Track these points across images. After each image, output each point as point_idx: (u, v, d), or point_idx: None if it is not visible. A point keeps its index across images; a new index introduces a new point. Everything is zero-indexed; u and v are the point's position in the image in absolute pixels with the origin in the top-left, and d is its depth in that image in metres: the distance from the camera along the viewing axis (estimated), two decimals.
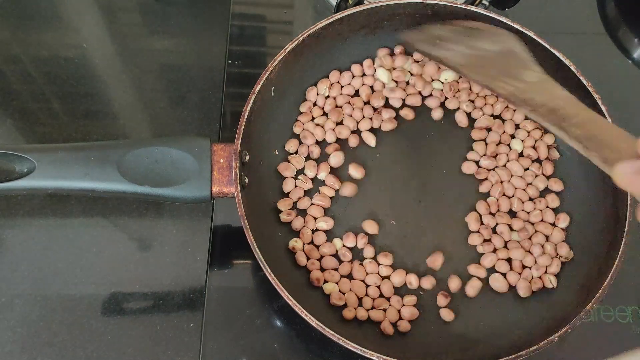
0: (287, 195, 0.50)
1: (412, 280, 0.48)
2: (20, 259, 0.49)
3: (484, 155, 0.52)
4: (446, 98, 0.54)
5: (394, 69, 0.54)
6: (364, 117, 0.53)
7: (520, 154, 0.52)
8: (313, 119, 0.53)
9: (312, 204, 0.50)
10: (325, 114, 0.53)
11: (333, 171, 0.51)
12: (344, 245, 0.49)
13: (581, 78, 0.48)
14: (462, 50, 0.45)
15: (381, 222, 0.50)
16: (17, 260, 0.49)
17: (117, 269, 0.49)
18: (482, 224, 0.50)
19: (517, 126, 0.53)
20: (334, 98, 0.53)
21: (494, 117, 0.54)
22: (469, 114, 0.54)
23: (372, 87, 0.54)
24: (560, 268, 0.48)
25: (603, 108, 0.47)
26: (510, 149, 0.53)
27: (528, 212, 0.51)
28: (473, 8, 0.51)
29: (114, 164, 0.42)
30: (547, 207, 0.51)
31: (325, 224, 0.49)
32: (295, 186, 0.50)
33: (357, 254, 0.49)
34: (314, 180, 0.51)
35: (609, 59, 0.62)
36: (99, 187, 0.42)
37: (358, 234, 0.49)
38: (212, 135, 0.52)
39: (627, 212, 0.44)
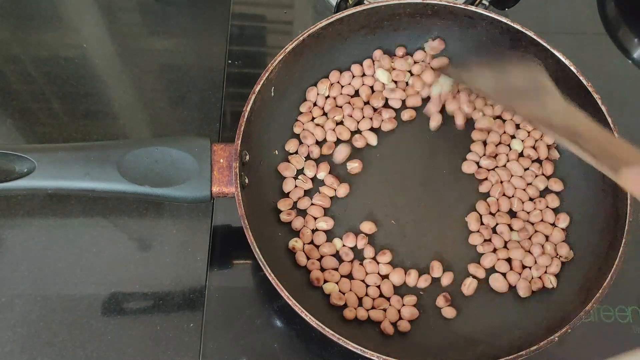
0: (287, 195, 0.50)
1: (412, 278, 0.48)
2: (20, 259, 0.49)
3: (484, 155, 0.52)
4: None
5: (394, 69, 0.54)
6: (364, 117, 0.53)
7: (520, 154, 0.53)
8: (313, 119, 0.53)
9: (312, 204, 0.50)
10: (325, 114, 0.53)
11: (333, 171, 0.51)
12: (344, 245, 0.49)
13: (581, 78, 0.48)
14: (492, 84, 0.47)
15: (381, 222, 0.50)
16: (17, 260, 0.49)
17: (117, 269, 0.49)
18: (482, 224, 0.50)
19: (517, 126, 0.53)
20: (334, 98, 0.53)
21: (494, 117, 0.54)
22: (469, 118, 0.53)
23: (372, 87, 0.54)
24: (560, 268, 0.48)
25: (603, 108, 0.47)
26: (510, 149, 0.53)
27: (528, 212, 0.51)
28: (473, 8, 0.51)
29: (114, 164, 0.42)
30: (547, 207, 0.51)
31: (325, 224, 0.49)
32: (295, 186, 0.50)
33: (357, 254, 0.49)
34: (314, 180, 0.51)
35: (609, 59, 0.62)
36: (99, 187, 0.42)
37: (358, 234, 0.49)
38: (212, 135, 0.52)
39: (627, 212, 0.44)
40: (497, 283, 0.48)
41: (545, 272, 0.48)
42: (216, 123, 0.55)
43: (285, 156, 0.52)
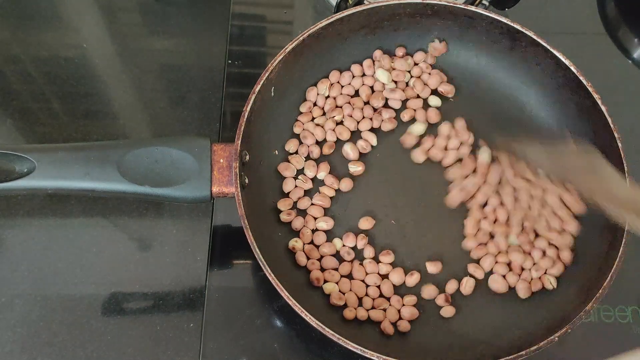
0: (287, 195, 0.50)
1: (411, 279, 0.48)
2: (20, 259, 0.49)
3: None
4: None
5: (394, 69, 0.54)
6: (364, 117, 0.53)
7: None
8: (313, 119, 0.53)
9: (312, 204, 0.50)
10: (325, 114, 0.53)
11: (333, 171, 0.51)
12: (344, 245, 0.49)
13: (581, 78, 0.48)
14: (545, 158, 0.47)
15: (381, 222, 0.50)
16: (17, 260, 0.49)
17: (117, 269, 0.49)
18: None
19: None
20: (334, 98, 0.53)
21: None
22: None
23: (372, 87, 0.54)
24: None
25: (603, 108, 0.47)
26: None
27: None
28: (473, 8, 0.51)
29: (114, 164, 0.42)
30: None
31: (325, 224, 0.49)
32: (295, 186, 0.50)
33: (357, 254, 0.49)
34: (314, 180, 0.51)
35: (609, 59, 0.62)
36: (99, 187, 0.42)
37: (358, 234, 0.49)
38: (212, 135, 0.52)
39: None
40: (497, 284, 0.48)
41: (545, 273, 0.48)
42: (216, 123, 0.55)
43: (285, 156, 0.52)
